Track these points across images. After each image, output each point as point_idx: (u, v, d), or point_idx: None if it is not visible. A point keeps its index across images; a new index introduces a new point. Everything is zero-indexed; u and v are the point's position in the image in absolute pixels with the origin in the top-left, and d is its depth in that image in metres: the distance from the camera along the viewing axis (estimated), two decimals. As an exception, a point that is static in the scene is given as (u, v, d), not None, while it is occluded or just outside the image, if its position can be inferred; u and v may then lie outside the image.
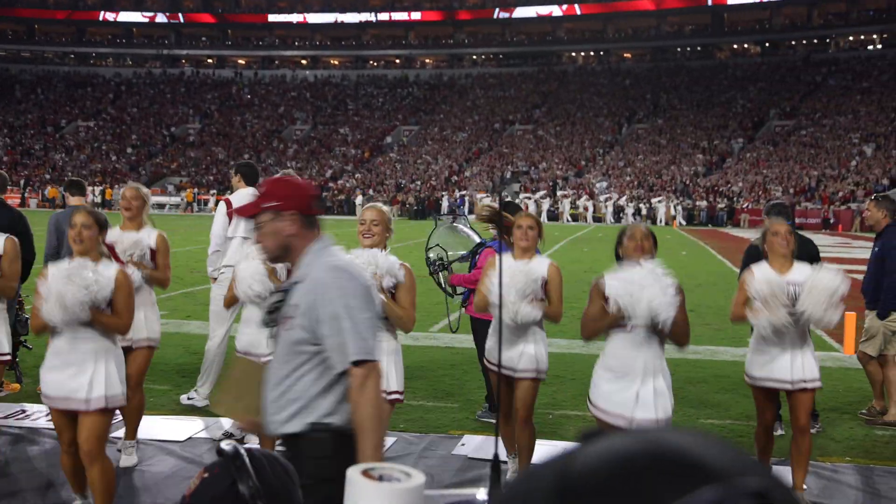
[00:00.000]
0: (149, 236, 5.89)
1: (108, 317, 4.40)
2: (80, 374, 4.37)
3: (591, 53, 71.11)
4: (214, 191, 51.12)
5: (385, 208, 5.04)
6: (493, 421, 6.70)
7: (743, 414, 6.95)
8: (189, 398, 7.07)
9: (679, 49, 68.78)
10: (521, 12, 70.05)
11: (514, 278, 5.03)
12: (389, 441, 6.01)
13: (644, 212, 44.22)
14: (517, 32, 72.13)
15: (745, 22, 67.68)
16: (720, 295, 13.81)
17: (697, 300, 13.19)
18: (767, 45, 66.60)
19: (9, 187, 7.70)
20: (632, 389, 4.48)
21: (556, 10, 69.11)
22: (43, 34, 74.51)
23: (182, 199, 50.59)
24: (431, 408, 7.12)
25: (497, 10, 70.26)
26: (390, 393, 4.92)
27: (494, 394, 5.40)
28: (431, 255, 6.80)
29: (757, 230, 7.95)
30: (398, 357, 5.08)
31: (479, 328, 6.57)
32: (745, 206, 43.96)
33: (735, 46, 68.44)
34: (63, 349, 4.40)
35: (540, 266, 5.23)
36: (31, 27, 73.91)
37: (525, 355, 5.23)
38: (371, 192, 51.80)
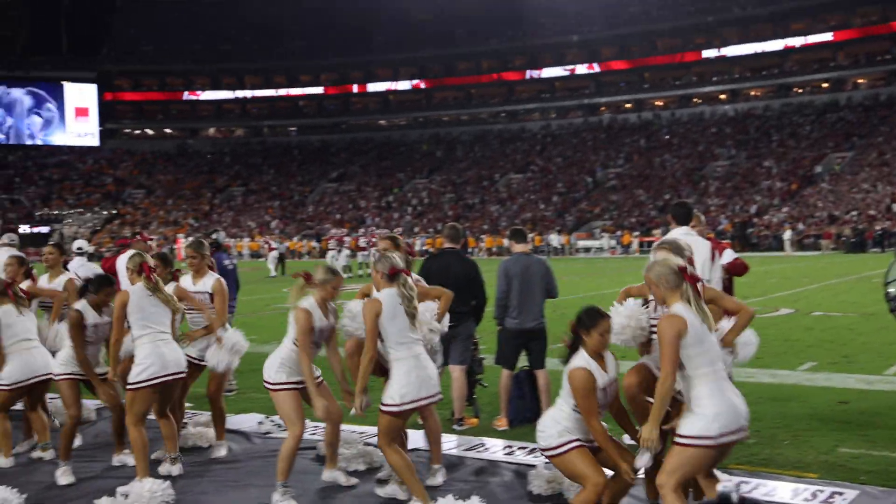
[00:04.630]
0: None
1: None
2: None
3: None
4: (637, 232, 51.76)
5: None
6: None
7: None
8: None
9: None
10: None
11: None
12: (851, 494, 5.55)
13: None
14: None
15: None
16: None
17: None
18: None
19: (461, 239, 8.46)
20: None
21: None
22: (478, 97, 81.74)
23: (607, 243, 51.86)
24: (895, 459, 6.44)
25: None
26: None
27: None
28: (892, 290, 6.17)
29: None
30: None
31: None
32: None
33: None
34: None
35: None
36: (468, 92, 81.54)
37: None
38: (801, 225, 48.78)
